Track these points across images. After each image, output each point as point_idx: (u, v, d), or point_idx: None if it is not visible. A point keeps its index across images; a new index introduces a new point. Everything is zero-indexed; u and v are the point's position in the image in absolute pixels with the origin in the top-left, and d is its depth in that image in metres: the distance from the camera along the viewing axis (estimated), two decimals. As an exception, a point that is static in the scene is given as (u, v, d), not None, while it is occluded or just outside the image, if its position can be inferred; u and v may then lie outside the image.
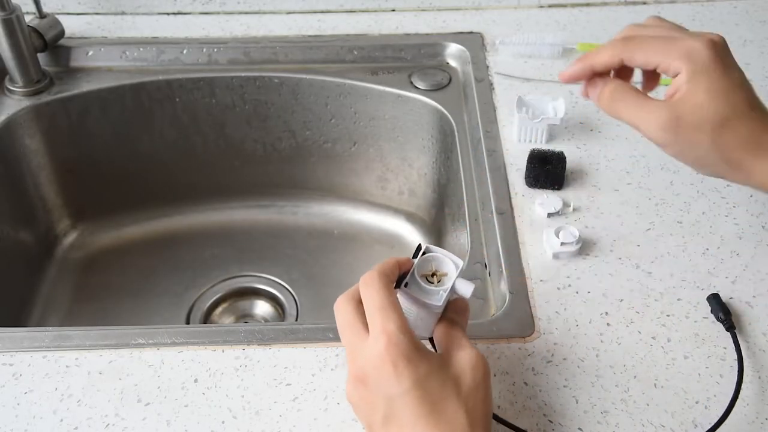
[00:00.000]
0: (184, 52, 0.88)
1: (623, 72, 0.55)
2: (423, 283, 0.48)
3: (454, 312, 0.49)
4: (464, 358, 0.45)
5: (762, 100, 0.51)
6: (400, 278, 0.48)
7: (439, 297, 0.48)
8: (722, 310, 0.59)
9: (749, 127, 0.49)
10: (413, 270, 0.48)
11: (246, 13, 0.94)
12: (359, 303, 0.46)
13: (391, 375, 0.42)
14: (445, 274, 0.49)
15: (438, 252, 0.49)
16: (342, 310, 0.47)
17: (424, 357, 0.44)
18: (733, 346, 0.57)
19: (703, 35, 0.50)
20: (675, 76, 0.50)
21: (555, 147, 0.72)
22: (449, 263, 0.49)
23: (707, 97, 0.48)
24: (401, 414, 0.42)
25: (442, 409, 0.43)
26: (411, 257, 0.49)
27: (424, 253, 0.49)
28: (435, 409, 0.42)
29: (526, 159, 0.70)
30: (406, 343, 0.43)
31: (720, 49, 0.50)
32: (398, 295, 0.47)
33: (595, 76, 0.54)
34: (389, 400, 0.43)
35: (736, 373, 0.55)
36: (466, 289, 0.48)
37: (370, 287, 0.45)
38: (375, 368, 0.43)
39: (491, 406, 0.46)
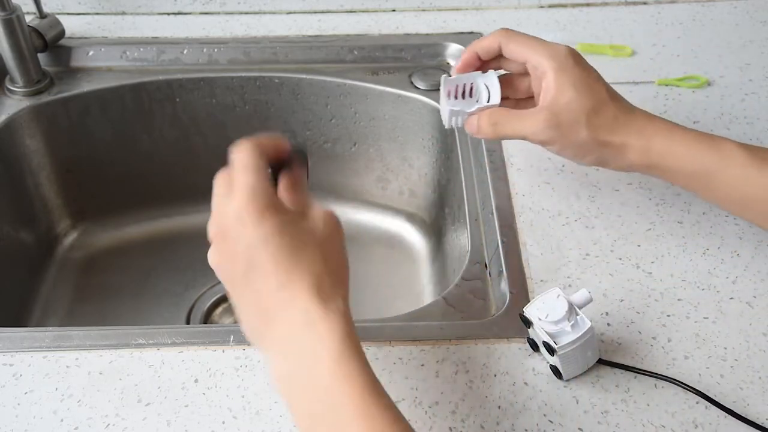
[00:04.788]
0: (185, 52, 0.88)
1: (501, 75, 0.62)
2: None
3: (294, 178, 0.51)
4: (317, 212, 0.48)
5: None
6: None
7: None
8: None
9: (614, 112, 0.57)
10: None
11: (246, 13, 0.94)
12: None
13: (252, 222, 0.44)
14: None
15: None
16: (216, 182, 0.49)
17: (282, 207, 0.46)
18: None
19: (563, 45, 0.59)
20: (541, 75, 0.58)
21: (555, 147, 0.72)
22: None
23: (575, 92, 0.56)
24: (262, 260, 0.44)
25: (301, 254, 0.45)
26: None
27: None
28: (294, 253, 0.45)
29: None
30: (266, 195, 0.45)
31: (577, 53, 0.59)
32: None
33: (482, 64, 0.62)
34: (250, 248, 0.44)
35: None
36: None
37: (240, 151, 0.48)
38: (235, 220, 0.45)
39: (346, 259, 0.48)
